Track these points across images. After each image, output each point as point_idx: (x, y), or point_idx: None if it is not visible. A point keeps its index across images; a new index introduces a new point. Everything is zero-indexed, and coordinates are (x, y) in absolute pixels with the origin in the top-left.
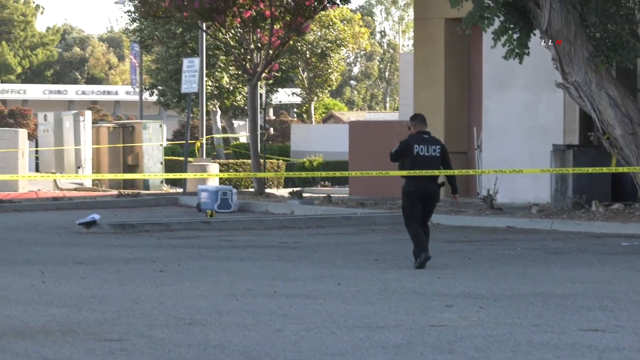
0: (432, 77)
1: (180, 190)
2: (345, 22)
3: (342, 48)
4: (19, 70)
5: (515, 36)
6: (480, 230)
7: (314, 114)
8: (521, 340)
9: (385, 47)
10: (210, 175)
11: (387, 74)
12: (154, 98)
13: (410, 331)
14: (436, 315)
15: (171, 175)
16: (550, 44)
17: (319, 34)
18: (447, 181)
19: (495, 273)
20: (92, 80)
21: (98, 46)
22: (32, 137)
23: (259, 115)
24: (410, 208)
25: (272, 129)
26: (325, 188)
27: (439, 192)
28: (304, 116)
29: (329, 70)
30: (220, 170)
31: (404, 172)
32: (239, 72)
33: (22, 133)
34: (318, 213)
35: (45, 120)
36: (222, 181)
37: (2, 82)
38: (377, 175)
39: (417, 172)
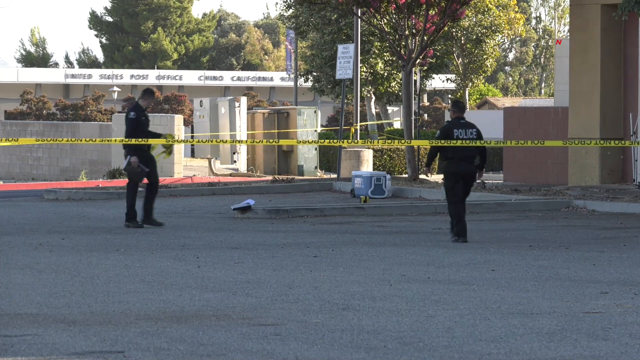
0: (587, 63)
1: (334, 176)
2: (500, 8)
3: (497, 34)
4: (174, 56)
5: None
6: (636, 217)
7: (469, 100)
8: None
9: (541, 33)
10: (361, 145)
11: (542, 60)
12: (309, 84)
13: (564, 318)
14: (590, 302)
15: (326, 142)
16: None
17: (474, 19)
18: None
19: None
20: (247, 66)
21: (254, 32)
22: (187, 123)
23: (413, 101)
24: (453, 187)
25: (426, 115)
26: None
27: (476, 172)
28: None
29: (483, 56)
30: (374, 155)
31: (458, 143)
32: (394, 58)
33: (178, 119)
34: (472, 199)
35: (201, 106)
36: (375, 167)
37: (158, 68)
38: (532, 147)
39: (461, 143)
